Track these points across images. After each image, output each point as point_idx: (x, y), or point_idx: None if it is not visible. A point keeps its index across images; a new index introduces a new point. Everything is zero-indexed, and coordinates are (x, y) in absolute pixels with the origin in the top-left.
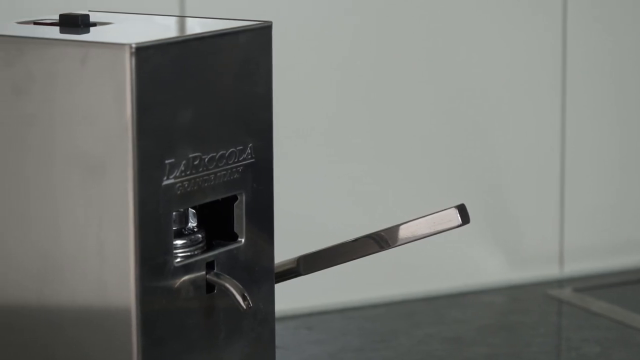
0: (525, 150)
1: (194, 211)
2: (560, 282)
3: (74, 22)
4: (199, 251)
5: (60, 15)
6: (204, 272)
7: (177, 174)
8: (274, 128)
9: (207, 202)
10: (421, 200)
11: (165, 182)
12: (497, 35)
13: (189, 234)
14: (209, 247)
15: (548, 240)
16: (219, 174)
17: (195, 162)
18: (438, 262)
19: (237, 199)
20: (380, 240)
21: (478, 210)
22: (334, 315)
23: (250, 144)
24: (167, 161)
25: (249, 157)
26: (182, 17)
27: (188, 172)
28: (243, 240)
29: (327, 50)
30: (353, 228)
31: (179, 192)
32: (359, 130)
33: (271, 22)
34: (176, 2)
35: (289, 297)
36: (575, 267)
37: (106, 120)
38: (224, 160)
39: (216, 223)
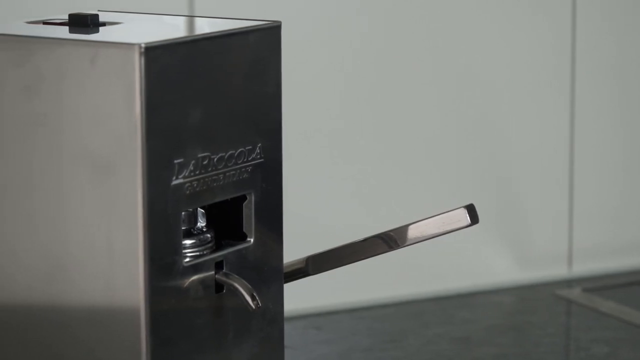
0: (534, 151)
1: (203, 211)
2: (569, 282)
3: (83, 22)
4: (208, 251)
5: (70, 15)
6: (213, 272)
7: (186, 173)
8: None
9: (216, 202)
10: (430, 200)
11: (174, 182)
12: (505, 34)
13: (198, 234)
14: (218, 247)
15: (557, 240)
16: (228, 173)
17: (205, 162)
18: (447, 262)
19: (246, 198)
20: (389, 240)
21: (487, 210)
22: (343, 315)
23: (260, 144)
24: (176, 161)
25: (258, 157)
26: (191, 17)
27: (197, 172)
28: (252, 240)
29: (333, 51)
30: (362, 228)
31: (188, 192)
32: (366, 130)
33: (280, 22)
34: (185, 2)
35: (298, 297)
36: (584, 267)
37: (115, 119)
38: (233, 160)
39: (225, 223)
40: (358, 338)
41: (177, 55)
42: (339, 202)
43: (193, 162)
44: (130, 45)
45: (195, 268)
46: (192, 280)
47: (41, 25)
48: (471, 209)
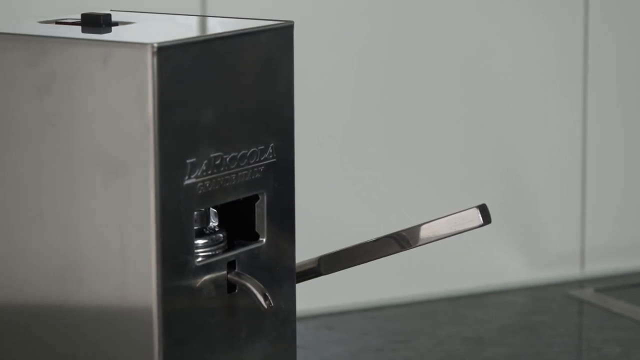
0: (546, 151)
1: (215, 211)
2: (581, 283)
3: (95, 22)
4: (220, 251)
5: (82, 15)
6: (225, 272)
7: (199, 173)
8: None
9: (229, 202)
10: (442, 200)
11: (187, 182)
12: (517, 35)
13: (210, 234)
14: (230, 246)
15: (569, 240)
16: (240, 173)
17: (217, 162)
18: (459, 262)
19: (258, 198)
20: (402, 240)
21: (499, 210)
22: (355, 315)
23: (272, 144)
24: (188, 161)
25: (271, 156)
26: (203, 17)
27: (209, 172)
28: (264, 240)
29: (344, 51)
30: (374, 228)
31: (200, 191)
32: (378, 129)
33: (293, 22)
34: (198, 2)
35: (310, 296)
36: (597, 267)
37: (128, 119)
38: (246, 160)
39: (237, 223)
40: (370, 338)
41: (190, 55)
42: (351, 201)
43: (205, 161)
44: (142, 45)
45: (207, 268)
46: (205, 280)
47: (54, 25)
48: (483, 209)
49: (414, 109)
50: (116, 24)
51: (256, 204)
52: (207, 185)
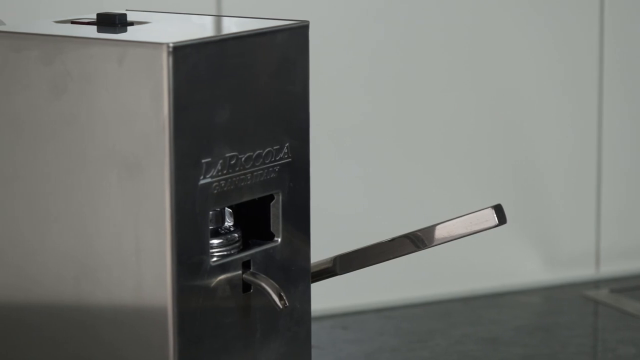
0: (562, 151)
1: (230, 210)
2: (596, 283)
3: (111, 22)
4: (235, 250)
5: (98, 15)
6: (240, 272)
7: (214, 173)
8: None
9: (244, 202)
10: (457, 200)
11: (202, 182)
12: (532, 34)
13: (226, 233)
14: (245, 246)
15: (584, 241)
16: (255, 173)
17: (232, 162)
18: (474, 263)
19: (273, 198)
20: (417, 240)
21: (515, 210)
22: (370, 315)
23: (287, 144)
24: (203, 160)
25: (286, 156)
26: (218, 17)
27: (225, 172)
28: (279, 239)
29: (357, 53)
30: (389, 228)
31: (215, 191)
32: (393, 130)
33: (308, 22)
34: (213, 2)
35: (325, 296)
36: (612, 268)
37: (143, 119)
38: (261, 160)
39: (252, 222)
40: (385, 338)
41: (205, 55)
42: (366, 201)
43: (221, 161)
44: (158, 44)
45: (222, 267)
46: (220, 280)
47: (69, 25)
48: (499, 209)
49: (429, 109)
50: (132, 23)
51: (271, 203)
52: (223, 185)
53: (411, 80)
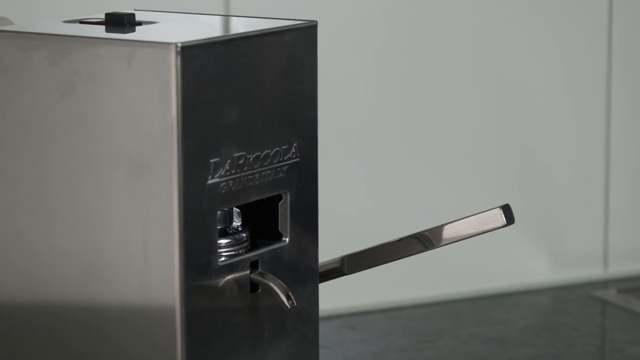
0: (569, 151)
1: (238, 210)
2: (604, 283)
3: (119, 21)
4: (243, 250)
5: (106, 14)
6: (248, 272)
7: (222, 173)
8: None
9: (252, 202)
10: (465, 200)
11: (210, 182)
12: (540, 36)
13: (234, 233)
14: (253, 246)
15: (592, 241)
16: (263, 173)
17: (240, 162)
18: (482, 263)
19: (281, 198)
20: (425, 240)
21: (523, 210)
22: (378, 315)
23: (295, 144)
24: (211, 160)
25: (294, 156)
26: (227, 17)
27: (233, 172)
28: (287, 239)
29: (365, 53)
30: (397, 228)
31: (223, 191)
32: (401, 130)
33: (316, 22)
34: (221, 2)
35: (333, 296)
36: (620, 268)
37: (151, 119)
38: (269, 160)
39: (260, 222)
40: (393, 338)
41: (213, 55)
42: (374, 201)
43: (229, 161)
44: (166, 44)
45: (230, 267)
46: (227, 280)
47: (78, 25)
48: (507, 209)
49: (437, 109)
50: (140, 23)
51: (279, 203)
52: (231, 184)
53: (419, 81)
